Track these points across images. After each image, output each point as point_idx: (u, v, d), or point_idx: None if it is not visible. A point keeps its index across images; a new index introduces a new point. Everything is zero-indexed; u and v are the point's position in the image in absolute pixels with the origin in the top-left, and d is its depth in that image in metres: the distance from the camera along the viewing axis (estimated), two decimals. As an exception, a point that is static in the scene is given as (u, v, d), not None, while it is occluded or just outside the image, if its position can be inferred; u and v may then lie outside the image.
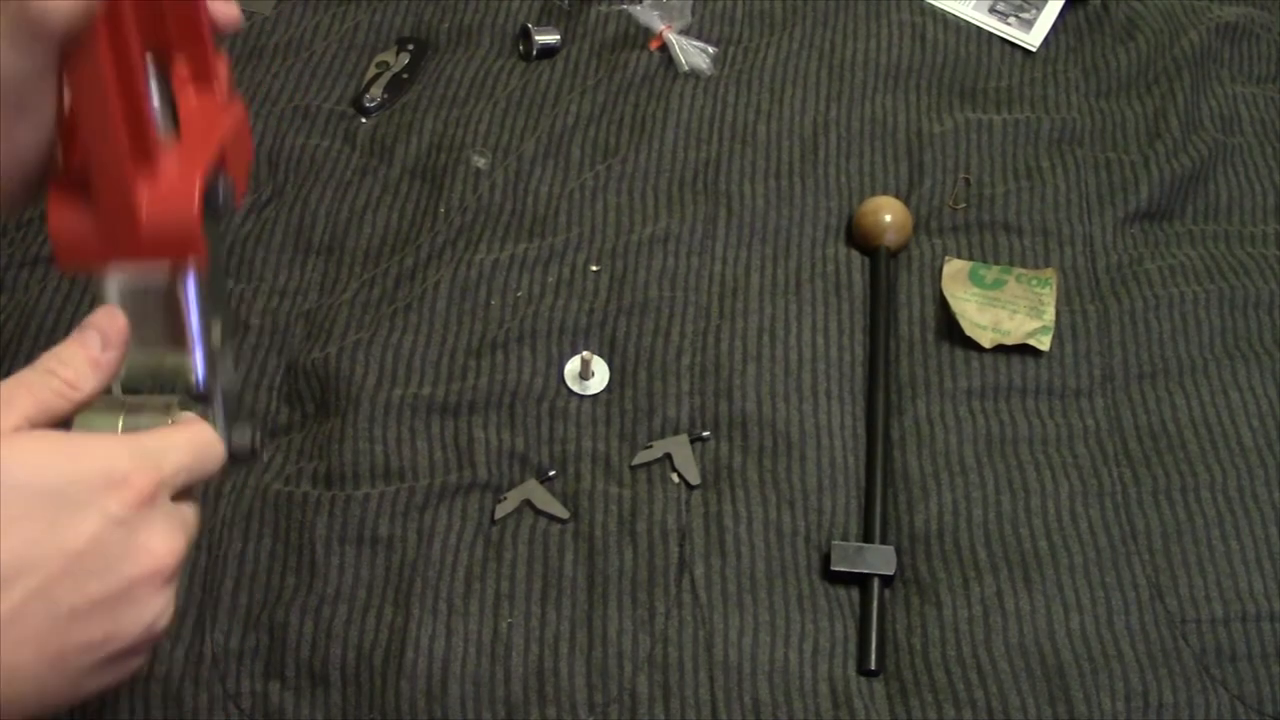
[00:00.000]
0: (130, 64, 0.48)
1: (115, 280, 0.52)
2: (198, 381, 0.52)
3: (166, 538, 0.46)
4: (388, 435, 0.85)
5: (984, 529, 0.81)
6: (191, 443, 0.49)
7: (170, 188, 0.49)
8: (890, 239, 0.94)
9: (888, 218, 0.94)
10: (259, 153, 1.02)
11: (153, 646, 0.48)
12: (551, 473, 0.84)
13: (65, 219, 0.49)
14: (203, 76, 0.55)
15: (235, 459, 0.54)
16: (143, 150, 0.49)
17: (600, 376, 0.88)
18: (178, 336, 0.52)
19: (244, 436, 0.55)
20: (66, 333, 0.92)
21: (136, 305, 0.51)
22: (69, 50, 0.46)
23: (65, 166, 0.51)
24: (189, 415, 0.51)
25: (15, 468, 0.43)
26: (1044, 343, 0.89)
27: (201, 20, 0.54)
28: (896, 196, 0.98)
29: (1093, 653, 0.77)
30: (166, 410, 0.51)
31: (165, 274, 0.51)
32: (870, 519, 0.82)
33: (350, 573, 0.80)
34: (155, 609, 0.46)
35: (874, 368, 0.89)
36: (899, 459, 0.85)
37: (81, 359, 0.48)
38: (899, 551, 0.81)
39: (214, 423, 0.53)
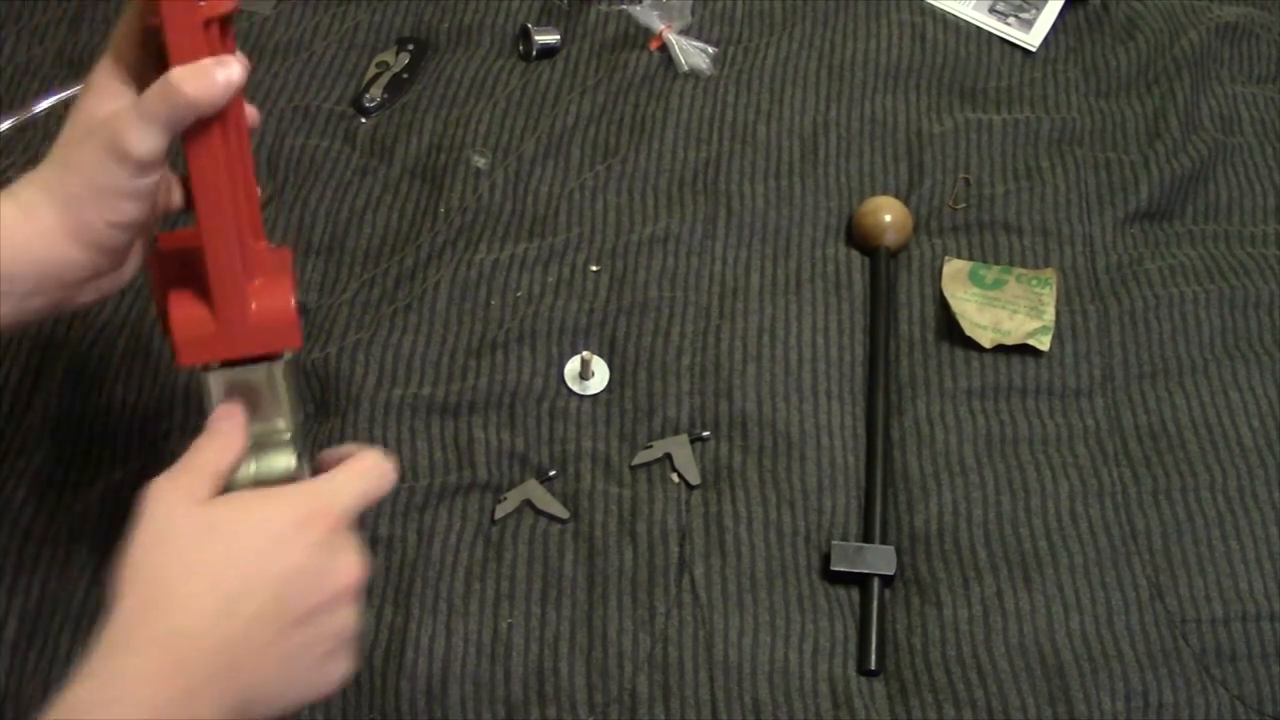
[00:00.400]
0: (237, 200, 0.59)
1: (215, 377, 0.62)
2: (292, 441, 0.62)
3: (351, 560, 0.56)
4: (388, 435, 0.85)
5: (984, 529, 0.81)
6: (362, 474, 0.59)
7: (270, 294, 0.60)
8: (890, 239, 0.94)
9: (888, 218, 0.94)
10: (259, 152, 1.02)
11: (355, 653, 0.57)
12: (551, 473, 0.84)
13: (186, 323, 0.60)
14: (254, 233, 0.63)
15: None
16: (249, 267, 0.60)
17: (600, 376, 0.88)
18: (267, 410, 0.62)
19: None
20: (66, 332, 0.92)
21: (234, 391, 0.62)
22: (199, 183, 0.58)
23: (165, 279, 0.61)
24: (349, 448, 0.61)
25: (228, 522, 0.54)
26: (1044, 343, 0.89)
27: (254, 184, 0.63)
28: (896, 196, 0.98)
29: (1093, 652, 0.77)
30: (284, 453, 0.62)
31: (260, 368, 0.62)
32: (870, 519, 0.82)
33: (350, 573, 0.80)
34: (349, 617, 0.56)
35: (874, 367, 0.89)
36: (899, 459, 0.85)
37: (220, 446, 0.59)
38: (899, 551, 0.81)
39: (303, 478, 0.62)
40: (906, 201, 0.98)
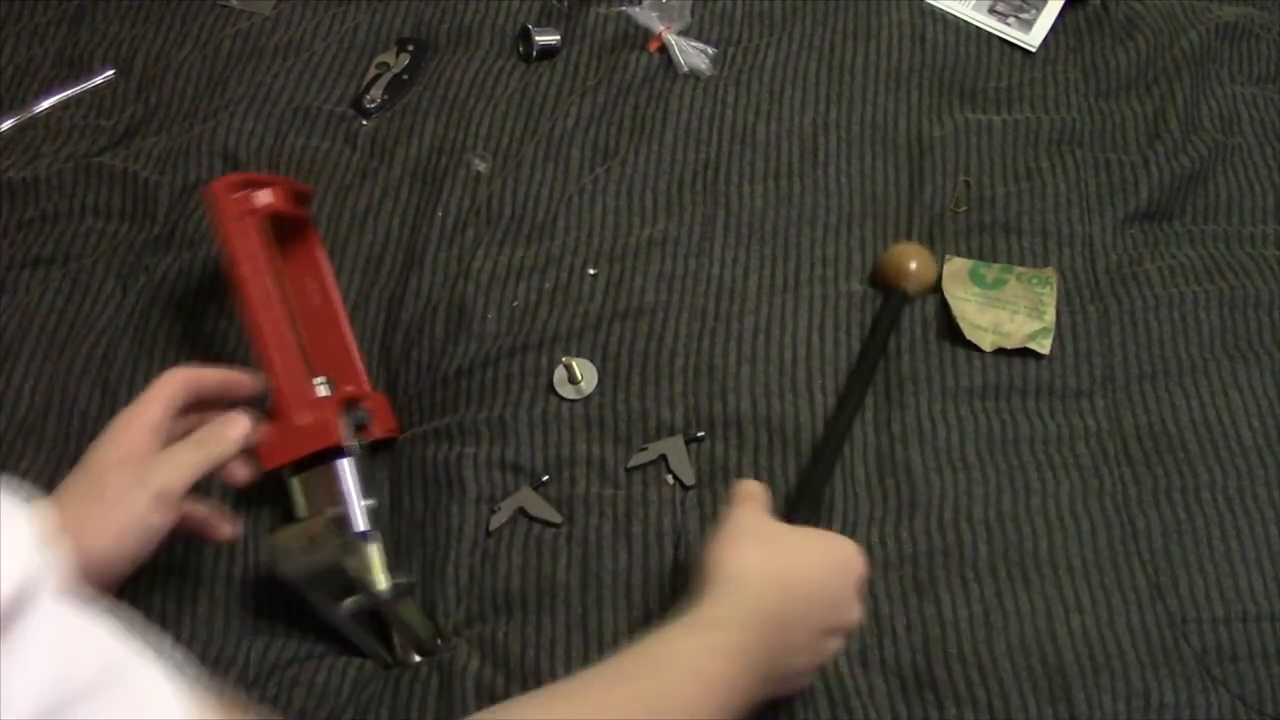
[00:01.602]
0: (285, 350, 0.82)
1: (294, 481, 0.80)
2: (354, 525, 0.78)
3: (858, 609, 0.71)
4: (390, 472, 0.86)
5: (985, 527, 0.81)
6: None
7: (315, 413, 0.80)
8: (911, 285, 0.92)
9: (913, 265, 0.92)
10: (259, 153, 1.02)
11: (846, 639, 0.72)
12: (545, 478, 0.84)
13: (263, 441, 0.79)
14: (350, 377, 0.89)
15: (397, 592, 0.77)
16: (298, 399, 0.81)
17: (589, 377, 0.88)
18: (337, 500, 0.78)
19: (401, 577, 0.78)
20: (68, 332, 0.92)
21: (313, 484, 0.79)
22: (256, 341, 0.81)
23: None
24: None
25: (790, 545, 0.71)
26: (1044, 346, 0.89)
27: (355, 359, 0.90)
28: (896, 197, 0.97)
29: (1094, 652, 0.76)
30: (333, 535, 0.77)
31: (326, 467, 0.79)
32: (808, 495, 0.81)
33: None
34: (836, 647, 0.71)
35: (858, 379, 0.87)
36: (901, 453, 0.85)
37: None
38: (900, 549, 0.81)
39: (372, 559, 0.78)
40: (907, 201, 0.97)
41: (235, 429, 0.76)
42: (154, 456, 0.73)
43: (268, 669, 0.79)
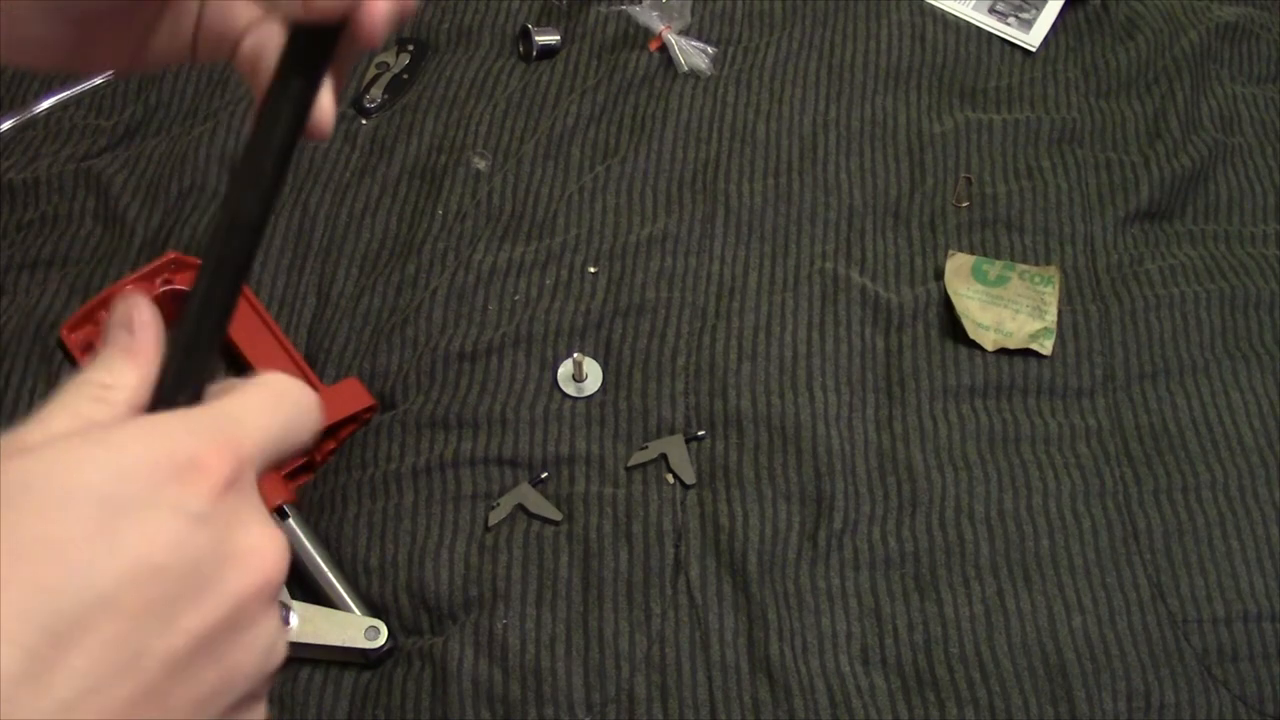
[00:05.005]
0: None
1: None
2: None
3: (265, 532, 0.33)
4: (379, 455, 0.85)
5: (986, 526, 0.81)
6: (273, 401, 0.36)
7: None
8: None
9: None
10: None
11: (270, 687, 0.35)
12: (544, 475, 0.84)
13: None
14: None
15: None
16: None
17: (594, 378, 0.88)
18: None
19: None
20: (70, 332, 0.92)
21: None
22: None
23: None
24: (264, 376, 0.37)
25: (47, 477, 0.29)
26: (1046, 346, 0.89)
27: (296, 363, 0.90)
28: (896, 195, 0.97)
29: (1095, 652, 0.76)
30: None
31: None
32: None
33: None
34: (270, 630, 0.33)
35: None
36: (902, 451, 0.85)
37: (111, 354, 0.36)
38: (901, 546, 0.81)
39: None
40: (908, 197, 0.97)
41: None
42: None
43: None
